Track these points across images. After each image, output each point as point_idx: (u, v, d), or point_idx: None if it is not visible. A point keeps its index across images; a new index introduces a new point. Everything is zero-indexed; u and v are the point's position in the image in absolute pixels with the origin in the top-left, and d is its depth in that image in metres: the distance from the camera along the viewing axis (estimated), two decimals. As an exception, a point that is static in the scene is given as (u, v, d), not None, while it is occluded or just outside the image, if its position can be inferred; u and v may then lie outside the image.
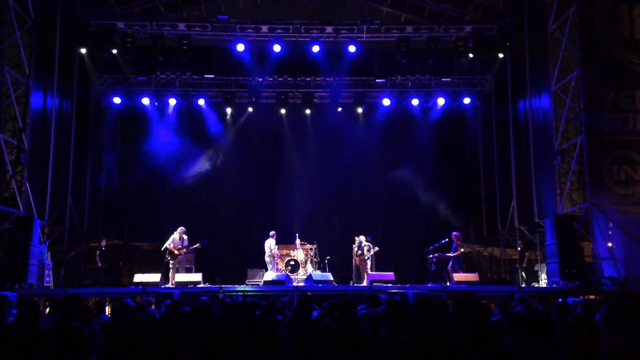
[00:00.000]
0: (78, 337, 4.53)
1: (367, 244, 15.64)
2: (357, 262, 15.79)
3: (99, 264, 15.73)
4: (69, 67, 15.98)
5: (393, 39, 17.47)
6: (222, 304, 8.01)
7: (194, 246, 14.73)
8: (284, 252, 16.60)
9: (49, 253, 14.45)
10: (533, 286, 14.49)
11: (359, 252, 15.73)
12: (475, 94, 19.00)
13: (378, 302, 7.25)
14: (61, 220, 15.56)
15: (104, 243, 15.90)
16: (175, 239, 14.54)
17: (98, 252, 15.78)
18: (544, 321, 4.87)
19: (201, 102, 18.58)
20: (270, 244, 15.77)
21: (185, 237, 14.68)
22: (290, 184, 19.04)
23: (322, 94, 19.09)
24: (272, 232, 15.92)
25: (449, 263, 14.77)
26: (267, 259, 15.71)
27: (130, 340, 4.73)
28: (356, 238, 16.50)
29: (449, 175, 18.21)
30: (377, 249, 15.55)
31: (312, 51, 17.38)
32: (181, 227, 14.72)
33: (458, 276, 14.08)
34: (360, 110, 19.27)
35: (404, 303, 5.18)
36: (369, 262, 15.53)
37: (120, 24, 16.87)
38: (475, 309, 3.80)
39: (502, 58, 17.43)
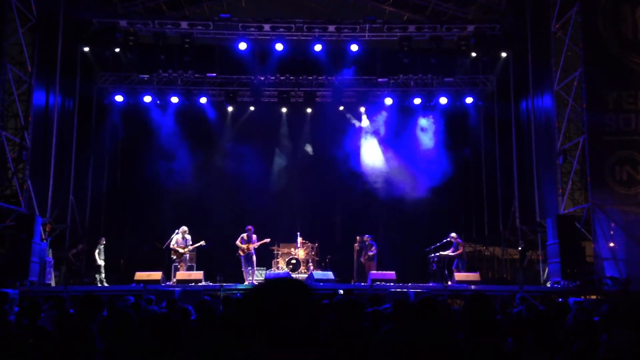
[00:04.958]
0: (84, 335, 4.55)
1: (370, 243, 15.70)
2: (363, 261, 15.80)
3: (98, 262, 15.73)
4: (72, 65, 16.00)
5: (395, 38, 17.45)
6: (225, 301, 7.99)
7: (198, 244, 14.75)
8: (285, 250, 16.62)
9: (51, 250, 14.47)
10: (534, 286, 14.48)
11: (364, 251, 15.76)
12: (477, 93, 18.96)
13: (379, 301, 7.27)
14: (63, 218, 15.58)
15: (102, 241, 15.89)
16: (178, 239, 14.56)
17: (97, 250, 15.77)
18: (545, 321, 4.86)
19: (203, 100, 18.57)
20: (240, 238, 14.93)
21: (187, 236, 14.70)
22: (292, 182, 19.04)
23: (324, 92, 19.08)
24: (247, 227, 15.02)
25: (453, 262, 14.80)
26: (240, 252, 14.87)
27: (127, 337, 4.73)
28: (358, 237, 16.57)
29: (451, 174, 18.17)
30: (375, 247, 15.60)
31: (314, 50, 17.37)
32: (183, 227, 14.74)
33: (459, 275, 14.09)
34: (362, 109, 19.27)
35: (410, 302, 5.18)
36: (374, 261, 15.54)
37: (123, 22, 16.87)
38: (484, 309, 3.80)
39: (505, 57, 17.41)
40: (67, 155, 15.83)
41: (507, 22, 17.05)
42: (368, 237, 15.85)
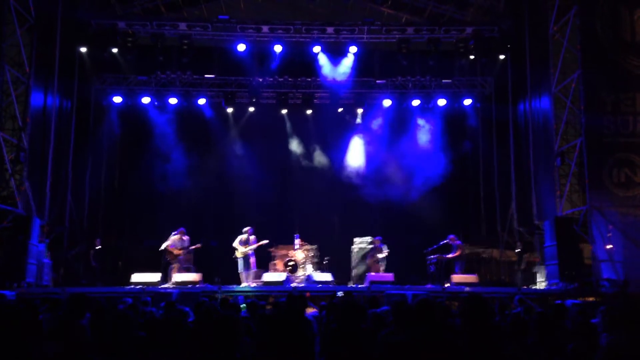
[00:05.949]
0: (82, 336, 4.54)
1: (379, 246, 15.66)
2: (370, 264, 15.73)
3: (93, 264, 15.65)
4: (70, 66, 15.97)
5: (394, 40, 17.47)
6: (223, 302, 7.97)
7: (194, 246, 14.72)
8: (283, 252, 16.59)
9: (49, 252, 14.43)
10: (532, 288, 14.48)
11: (372, 252, 15.71)
12: (475, 95, 18.98)
13: (377, 303, 7.26)
14: (61, 220, 15.54)
15: (98, 243, 15.80)
16: (175, 240, 14.53)
17: (92, 252, 15.70)
18: (543, 323, 4.87)
19: (202, 101, 18.56)
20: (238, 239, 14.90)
21: (185, 237, 14.67)
22: (290, 184, 19.03)
23: (322, 94, 19.08)
24: (245, 228, 15.05)
25: (452, 264, 14.77)
26: (237, 254, 14.79)
27: (126, 339, 4.72)
28: (357, 239, 16.58)
29: (449, 176, 18.19)
30: (387, 251, 15.55)
31: (312, 51, 17.38)
32: (181, 228, 14.70)
33: (457, 277, 14.09)
34: (360, 110, 19.26)
35: (408, 304, 5.17)
36: (383, 265, 15.50)
37: (121, 24, 16.86)
38: (481, 310, 3.80)
39: (503, 59, 17.42)
40: (65, 156, 15.80)
41: (505, 24, 17.08)
42: (378, 240, 15.81)
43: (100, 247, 15.67)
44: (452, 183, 18.57)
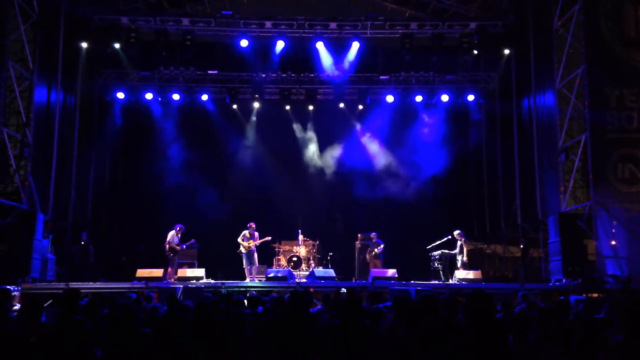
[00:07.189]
0: (80, 331, 4.54)
1: (376, 241, 15.65)
2: (369, 259, 15.73)
3: (77, 260, 15.52)
4: (73, 62, 15.99)
5: (397, 35, 17.41)
6: (226, 299, 7.98)
7: (188, 243, 14.70)
8: (287, 248, 16.63)
9: (53, 247, 14.47)
10: (536, 284, 14.47)
11: (370, 248, 15.71)
12: (479, 91, 18.93)
13: (380, 299, 7.27)
14: (64, 215, 15.58)
15: (83, 238, 15.62)
16: (173, 236, 14.56)
17: (77, 247, 15.49)
18: (546, 319, 4.86)
19: (204, 97, 18.58)
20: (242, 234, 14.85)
21: (180, 234, 14.66)
22: (293, 180, 19.04)
23: (325, 90, 19.05)
24: (249, 224, 14.93)
25: (455, 260, 14.75)
26: (241, 249, 14.75)
27: (131, 333, 4.73)
28: (359, 235, 16.57)
29: (452, 172, 18.18)
30: (382, 245, 15.52)
31: (315, 47, 17.34)
32: (179, 225, 14.70)
33: (460, 273, 14.07)
34: (362, 106, 19.22)
35: (411, 300, 5.18)
36: (380, 260, 15.50)
37: (124, 19, 16.85)
38: (484, 306, 3.80)
39: (507, 55, 17.36)
40: (69, 152, 15.82)
41: (509, 19, 17.01)
42: (374, 235, 15.80)
43: (83, 242, 15.51)
44: (456, 179, 18.56)
